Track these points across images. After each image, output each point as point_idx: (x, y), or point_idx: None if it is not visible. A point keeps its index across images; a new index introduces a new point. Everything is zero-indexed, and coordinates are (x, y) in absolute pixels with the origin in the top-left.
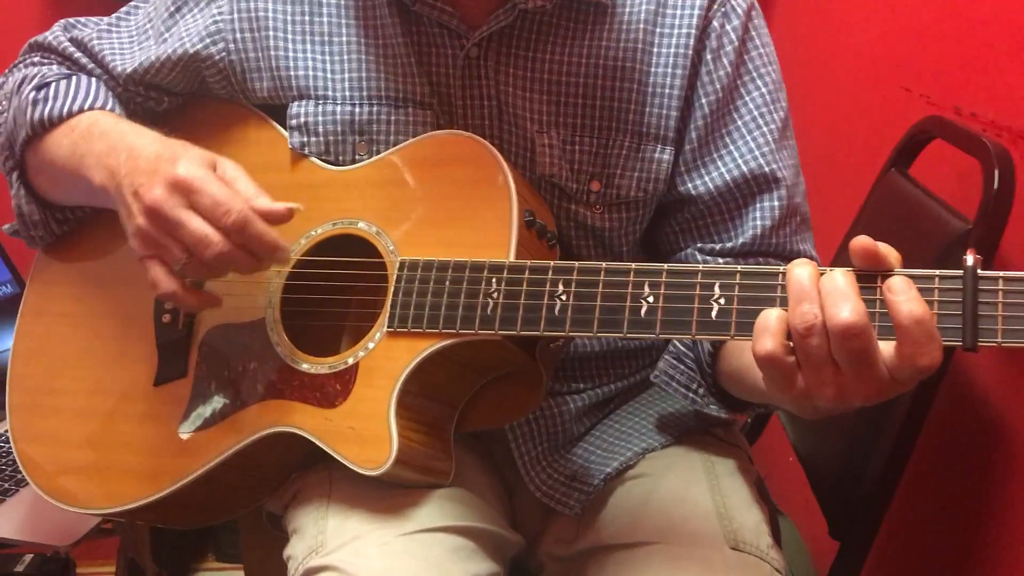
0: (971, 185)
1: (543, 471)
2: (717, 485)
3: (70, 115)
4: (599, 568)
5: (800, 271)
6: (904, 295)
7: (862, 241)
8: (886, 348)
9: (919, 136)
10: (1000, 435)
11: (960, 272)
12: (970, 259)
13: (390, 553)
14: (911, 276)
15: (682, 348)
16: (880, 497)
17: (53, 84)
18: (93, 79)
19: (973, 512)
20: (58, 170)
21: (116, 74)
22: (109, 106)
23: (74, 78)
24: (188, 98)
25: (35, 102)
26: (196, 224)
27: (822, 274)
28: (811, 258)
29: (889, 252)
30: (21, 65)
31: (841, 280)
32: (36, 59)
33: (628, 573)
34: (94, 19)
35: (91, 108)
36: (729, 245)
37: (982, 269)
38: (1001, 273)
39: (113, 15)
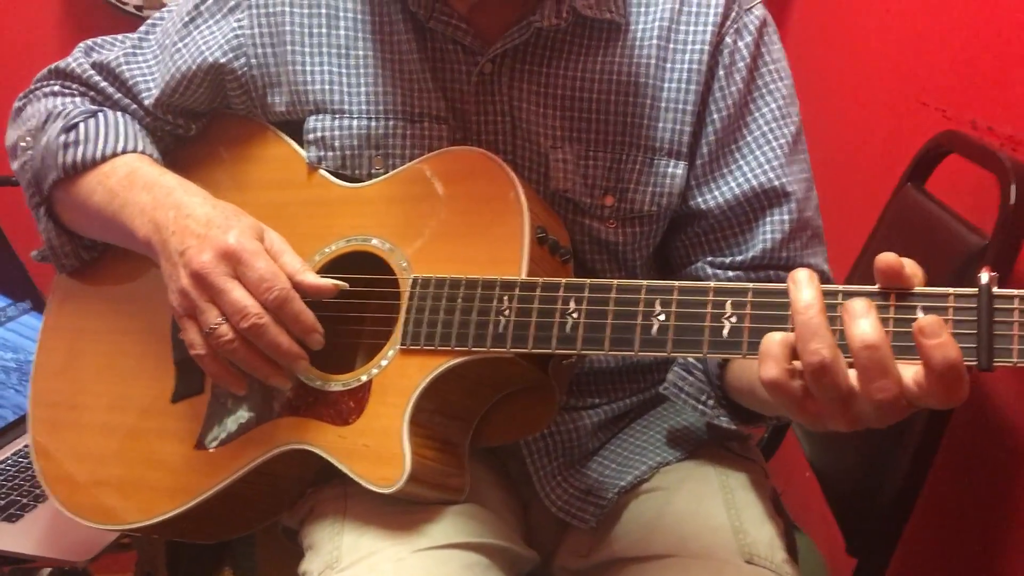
0: (988, 200)
1: (558, 486)
2: (731, 499)
3: (103, 159)
4: None
5: (805, 298)
6: (937, 339)
7: (887, 259)
8: (904, 372)
9: (935, 150)
10: (1019, 449)
11: (975, 290)
12: (985, 277)
13: (405, 570)
14: (925, 294)
15: (691, 360)
16: (898, 513)
17: (81, 125)
18: (119, 115)
19: (992, 529)
20: (92, 214)
21: (146, 104)
22: (141, 147)
23: (101, 116)
24: (208, 117)
25: (65, 145)
26: (238, 294)
27: (830, 292)
28: (821, 273)
29: (915, 272)
30: (39, 93)
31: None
32: (56, 87)
33: None
34: (118, 38)
35: (123, 151)
36: (739, 259)
37: (998, 286)
38: (1017, 292)
39: (135, 34)
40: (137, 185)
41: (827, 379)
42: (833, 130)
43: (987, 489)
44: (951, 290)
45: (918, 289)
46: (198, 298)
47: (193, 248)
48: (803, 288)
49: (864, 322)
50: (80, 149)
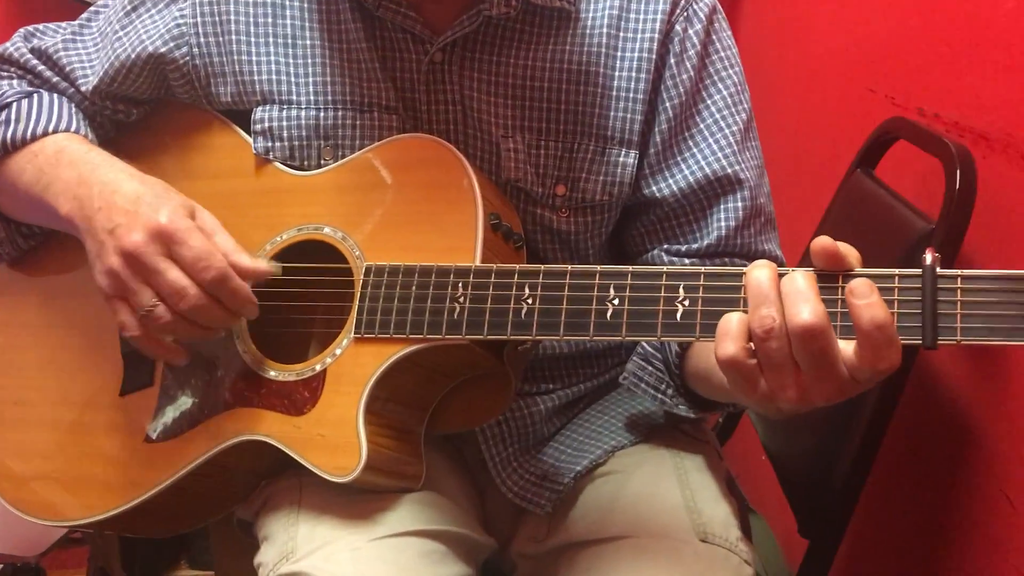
0: (934, 185)
1: (514, 472)
2: (686, 480)
3: (33, 138)
4: (570, 564)
5: (759, 274)
6: (866, 299)
7: (822, 242)
8: (847, 348)
9: (884, 137)
10: (965, 431)
11: (919, 271)
12: (928, 257)
13: (361, 558)
14: (871, 275)
15: (650, 349)
16: (847, 496)
17: (14, 104)
18: (55, 96)
19: (940, 508)
20: (20, 194)
21: (84, 90)
22: (75, 127)
23: (35, 96)
24: (152, 104)
25: None
26: (174, 275)
27: (782, 275)
28: (776, 258)
29: (849, 252)
30: None
31: (801, 281)
32: None
33: (598, 568)
34: (61, 25)
35: (55, 131)
36: (695, 246)
37: (941, 267)
38: (959, 272)
39: (76, 21)
40: (63, 162)
41: (774, 342)
42: (784, 118)
43: (935, 470)
44: (896, 271)
45: (866, 270)
46: (129, 279)
47: (123, 227)
48: (758, 266)
49: (799, 277)
50: (11, 128)
